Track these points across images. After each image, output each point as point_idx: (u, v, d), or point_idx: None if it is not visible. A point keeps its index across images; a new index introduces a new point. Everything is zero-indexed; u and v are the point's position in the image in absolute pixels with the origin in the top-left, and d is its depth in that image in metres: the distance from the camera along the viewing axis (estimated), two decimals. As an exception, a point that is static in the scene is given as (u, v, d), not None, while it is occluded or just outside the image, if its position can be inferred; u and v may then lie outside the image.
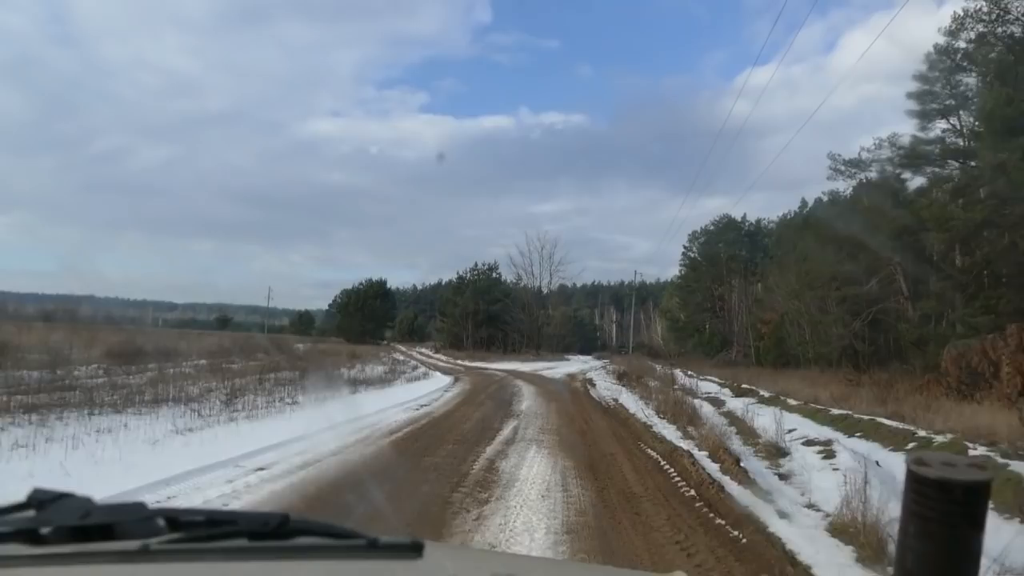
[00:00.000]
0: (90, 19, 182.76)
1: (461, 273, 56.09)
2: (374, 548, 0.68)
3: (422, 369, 28.83)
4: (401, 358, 34.03)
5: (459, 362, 35.38)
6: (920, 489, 0.61)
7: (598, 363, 44.30)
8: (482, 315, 49.90)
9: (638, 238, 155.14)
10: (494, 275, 55.49)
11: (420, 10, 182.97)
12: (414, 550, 0.69)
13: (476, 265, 55.87)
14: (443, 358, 40.97)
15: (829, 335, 36.00)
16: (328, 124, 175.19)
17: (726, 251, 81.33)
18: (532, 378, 26.32)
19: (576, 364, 38.20)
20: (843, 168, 37.04)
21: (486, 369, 31.14)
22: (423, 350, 50.04)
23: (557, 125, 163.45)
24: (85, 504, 0.77)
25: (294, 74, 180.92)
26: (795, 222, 58.71)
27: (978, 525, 0.60)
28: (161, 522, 0.76)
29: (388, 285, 63.23)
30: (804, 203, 74.05)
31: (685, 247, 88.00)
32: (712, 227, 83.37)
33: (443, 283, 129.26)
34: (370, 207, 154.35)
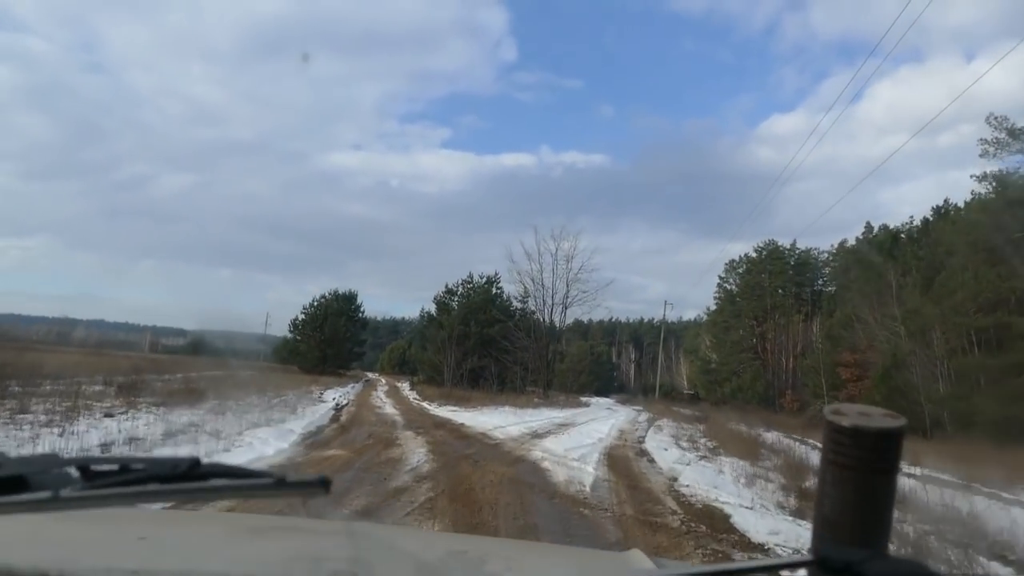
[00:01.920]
0: (119, 47, 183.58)
1: (450, 286, 40.40)
2: (283, 485, 0.69)
3: (316, 420, 16.74)
4: (322, 397, 22.52)
5: (426, 407, 23.00)
6: (836, 438, 0.62)
7: (630, 412, 32.27)
8: (473, 340, 35.95)
9: (654, 279, 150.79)
10: (494, 289, 40.20)
11: (445, 46, 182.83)
12: (321, 486, 0.69)
13: (470, 276, 40.72)
14: (413, 397, 28.39)
15: (988, 389, 23.27)
16: (349, 157, 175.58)
17: (772, 283, 69.08)
18: (531, 475, 9.87)
19: (602, 415, 27.14)
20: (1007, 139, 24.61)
21: (452, 425, 16.55)
22: (401, 384, 38.48)
23: (578, 164, 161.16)
24: None
25: (317, 106, 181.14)
26: (881, 239, 46.56)
27: (891, 470, 0.62)
28: (74, 471, 0.76)
29: (358, 300, 49.29)
30: (870, 227, 61.97)
31: (721, 278, 75.31)
32: (756, 254, 71.21)
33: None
34: (388, 240, 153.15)
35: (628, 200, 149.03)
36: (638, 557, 1.10)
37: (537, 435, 15.17)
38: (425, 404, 24.48)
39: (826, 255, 67.42)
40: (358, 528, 1.24)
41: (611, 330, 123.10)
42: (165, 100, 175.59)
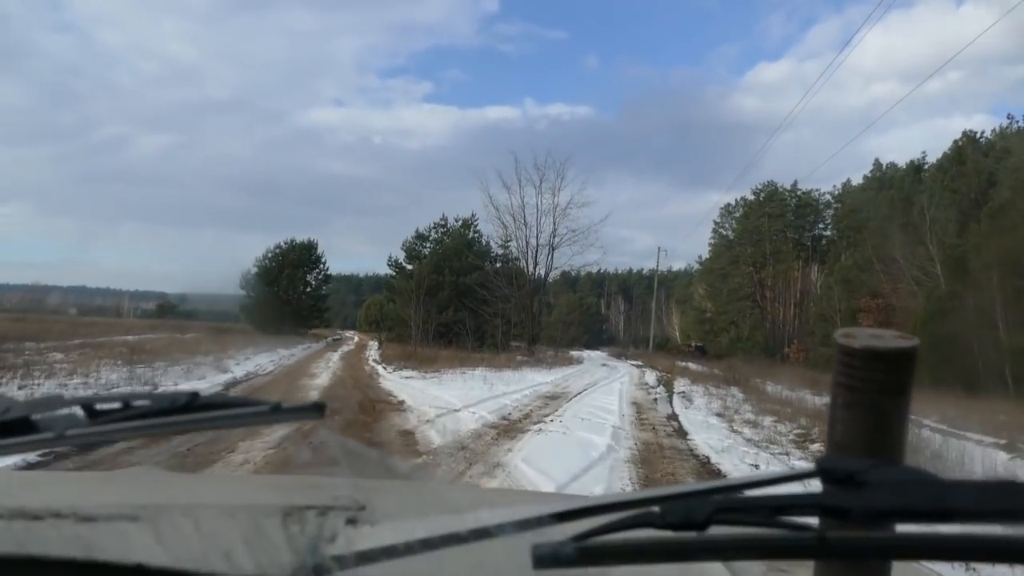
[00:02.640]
0: (88, 4, 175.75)
1: (422, 230, 34.84)
2: (278, 412, 0.72)
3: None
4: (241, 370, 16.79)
5: (380, 372, 18.30)
6: (847, 360, 0.60)
7: (630, 369, 27.92)
8: (447, 291, 30.91)
9: (642, 232, 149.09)
10: (471, 233, 34.83)
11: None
12: (316, 410, 0.71)
13: (443, 219, 35.26)
14: (373, 359, 23.70)
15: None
16: (330, 113, 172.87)
17: (771, 226, 64.56)
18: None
19: (600, 376, 22.85)
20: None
21: (388, 404, 11.66)
22: (372, 343, 34.04)
23: (563, 116, 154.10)
24: (5, 402, 0.81)
25: (295, 62, 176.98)
26: (902, 173, 42.00)
27: (903, 392, 0.60)
28: (79, 411, 0.78)
29: (318, 249, 42.61)
30: (879, 164, 57.35)
31: (716, 223, 70.46)
32: (753, 196, 66.52)
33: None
34: (372, 197, 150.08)
35: (614, 152, 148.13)
36: None
37: (508, 427, 9.64)
38: (381, 368, 19.78)
39: (828, 197, 62.82)
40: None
41: (600, 282, 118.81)
42: (138, 59, 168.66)
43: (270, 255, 41.27)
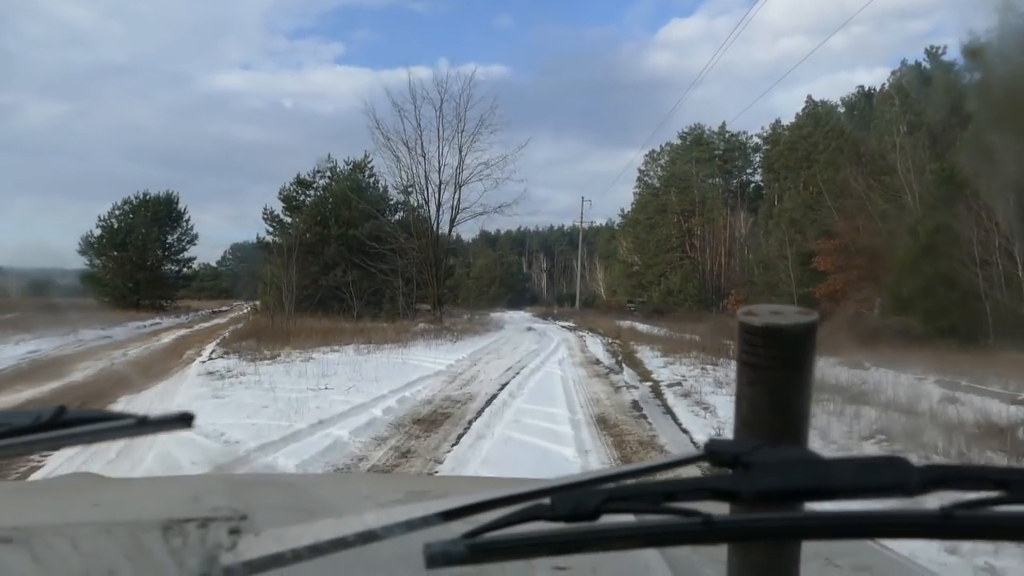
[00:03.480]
0: None
1: (304, 175, 28.02)
2: (144, 424, 0.70)
3: None
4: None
5: (200, 355, 11.93)
6: (749, 339, 0.60)
7: (565, 334, 22.59)
8: (333, 245, 24.68)
9: (561, 190, 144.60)
10: (367, 178, 28.05)
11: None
12: (183, 421, 0.69)
13: (330, 159, 28.22)
14: (212, 346, 16.92)
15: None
16: (237, 77, 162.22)
17: (699, 172, 60.49)
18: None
19: (525, 348, 16.57)
20: None
21: None
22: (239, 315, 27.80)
23: (478, 76, 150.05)
24: None
25: (197, 23, 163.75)
26: (851, 101, 37.89)
27: (804, 367, 0.60)
28: None
29: (179, 205, 34.72)
30: (811, 100, 53.74)
31: (641, 171, 66.24)
32: (680, 141, 62.22)
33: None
34: (286, 163, 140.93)
35: (531, 112, 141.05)
36: None
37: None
38: (196, 354, 13.76)
39: (757, 139, 59.04)
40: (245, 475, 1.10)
41: (520, 240, 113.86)
42: (22, 21, 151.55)
43: (117, 212, 32.99)
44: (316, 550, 0.51)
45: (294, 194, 27.34)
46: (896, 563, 0.93)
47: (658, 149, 62.93)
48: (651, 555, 0.82)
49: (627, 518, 0.49)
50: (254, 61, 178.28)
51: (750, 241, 49.59)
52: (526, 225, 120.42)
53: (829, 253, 29.45)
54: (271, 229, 27.99)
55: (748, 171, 60.79)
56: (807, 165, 38.85)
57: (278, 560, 0.51)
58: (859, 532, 0.49)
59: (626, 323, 26.94)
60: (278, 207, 27.65)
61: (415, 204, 26.58)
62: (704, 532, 0.47)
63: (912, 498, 0.47)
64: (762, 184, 59.08)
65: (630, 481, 0.54)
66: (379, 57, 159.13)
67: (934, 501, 0.46)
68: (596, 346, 18.49)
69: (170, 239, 34.73)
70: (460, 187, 26.38)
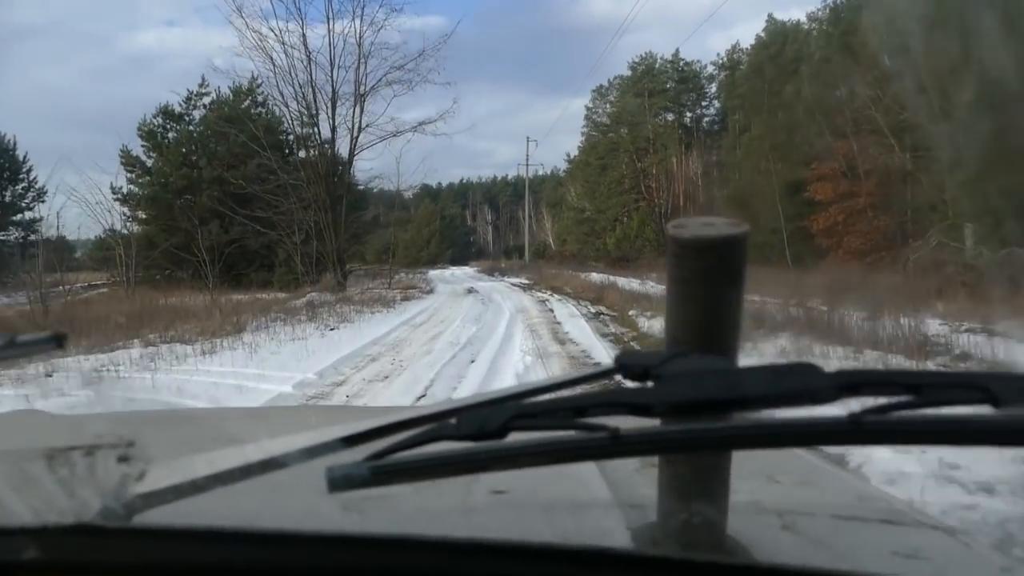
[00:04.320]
0: None
1: (172, 105, 21.00)
2: (13, 345, 0.69)
3: None
4: None
5: None
6: (679, 252, 0.58)
7: (511, 291, 17.01)
8: (206, 191, 18.53)
9: (503, 142, 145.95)
10: (258, 109, 21.21)
11: None
12: (53, 341, 0.69)
13: (204, 83, 21.35)
14: None
15: None
16: (163, 35, 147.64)
17: (652, 105, 55.09)
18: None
19: (463, 311, 14.06)
20: None
21: None
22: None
23: (414, 27, 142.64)
24: None
25: None
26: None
27: (735, 280, 0.58)
28: None
29: (21, 154, 26.38)
30: (772, 18, 48.71)
31: (588, 108, 60.57)
32: (631, 72, 56.54)
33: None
34: None
35: (470, 62, 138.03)
36: None
37: None
38: None
39: (712, 68, 53.78)
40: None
41: (463, 192, 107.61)
42: None
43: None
44: (217, 479, 0.49)
45: (157, 128, 20.67)
46: (837, 476, 0.88)
47: (606, 84, 57.20)
48: (591, 473, 0.78)
49: (535, 435, 0.47)
50: (179, 17, 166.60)
51: (716, 177, 44.71)
52: (468, 176, 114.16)
53: (830, 179, 24.35)
54: (131, 174, 20.88)
55: (703, 104, 55.73)
56: (783, 85, 33.64)
57: (177, 491, 0.49)
58: (766, 442, 0.48)
59: (594, 276, 21.24)
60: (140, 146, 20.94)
61: (300, 125, 19.46)
62: (611, 446, 0.46)
63: (824, 405, 0.45)
64: (717, 118, 54.29)
65: (540, 398, 0.52)
66: (309, 8, 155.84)
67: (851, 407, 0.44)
68: (583, 327, 11.50)
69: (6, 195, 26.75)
70: (363, 97, 19.39)
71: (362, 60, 19.05)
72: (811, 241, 25.70)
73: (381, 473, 0.47)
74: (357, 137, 18.70)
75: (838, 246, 24.04)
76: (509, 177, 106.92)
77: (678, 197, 51.28)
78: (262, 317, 10.81)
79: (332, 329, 10.86)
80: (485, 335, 10.56)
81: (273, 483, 0.52)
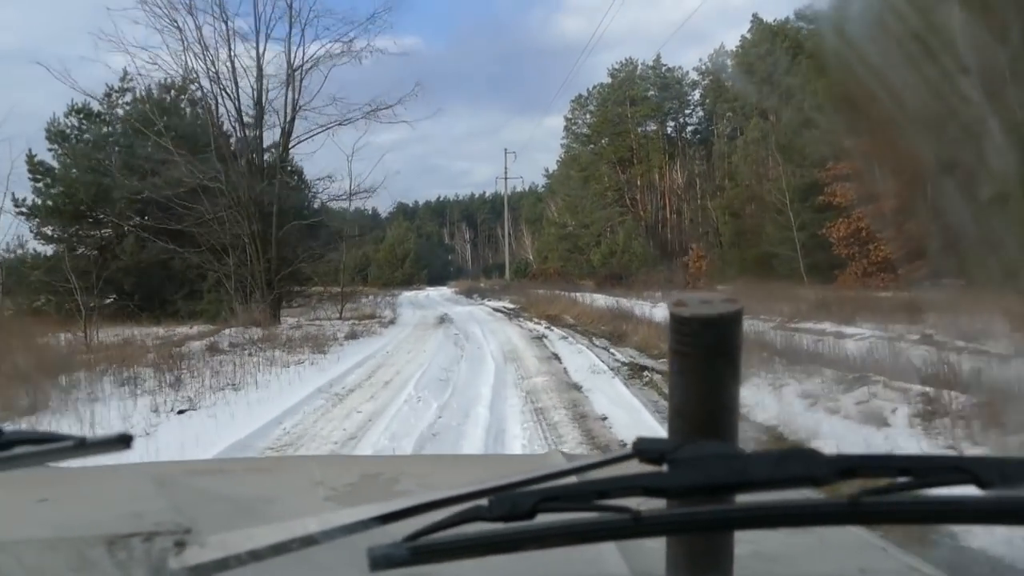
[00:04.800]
0: None
1: (81, 103, 16.89)
2: (83, 446, 0.70)
3: None
4: None
5: None
6: (679, 328, 0.62)
7: (492, 321, 13.56)
8: (120, 203, 14.43)
9: (480, 162, 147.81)
10: (186, 104, 17.54)
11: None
12: (122, 443, 0.70)
13: (126, 76, 16.82)
14: None
15: None
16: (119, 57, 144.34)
17: (635, 113, 52.47)
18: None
19: (416, 379, 8.50)
20: None
21: None
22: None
23: (390, 49, 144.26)
24: None
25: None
26: None
27: (731, 354, 0.62)
28: None
29: None
30: (757, 18, 46.31)
31: (567, 119, 57.88)
32: (611, 79, 53.90)
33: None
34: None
35: (447, 84, 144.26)
36: (556, 459, 1.05)
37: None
38: None
39: (695, 74, 51.29)
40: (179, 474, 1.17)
41: (440, 210, 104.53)
42: None
43: None
44: (257, 555, 0.52)
45: (68, 130, 17.23)
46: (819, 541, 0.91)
47: (585, 94, 54.49)
48: (608, 548, 0.81)
49: (562, 516, 0.49)
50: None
51: (706, 187, 41.95)
52: (445, 194, 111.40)
53: (846, 180, 21.42)
54: (39, 184, 17.05)
55: (686, 112, 53.15)
56: (780, 83, 30.99)
57: (222, 566, 0.52)
58: (774, 522, 0.51)
59: (594, 299, 17.64)
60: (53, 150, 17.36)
61: (210, 105, 15.27)
62: (633, 528, 0.49)
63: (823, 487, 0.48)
64: (701, 126, 51.82)
65: (564, 481, 0.55)
66: (284, 30, 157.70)
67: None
68: (629, 403, 6.85)
69: None
70: (296, 72, 15.75)
71: (296, 23, 15.37)
72: (828, 250, 22.74)
73: (420, 553, 0.48)
74: (291, 120, 15.12)
75: (863, 255, 21.05)
76: (487, 194, 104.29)
77: (665, 209, 48.61)
78: (98, 378, 7.32)
79: (179, 412, 6.61)
80: (455, 426, 6.18)
81: (312, 561, 0.54)
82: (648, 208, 48.16)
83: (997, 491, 0.46)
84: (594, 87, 53.69)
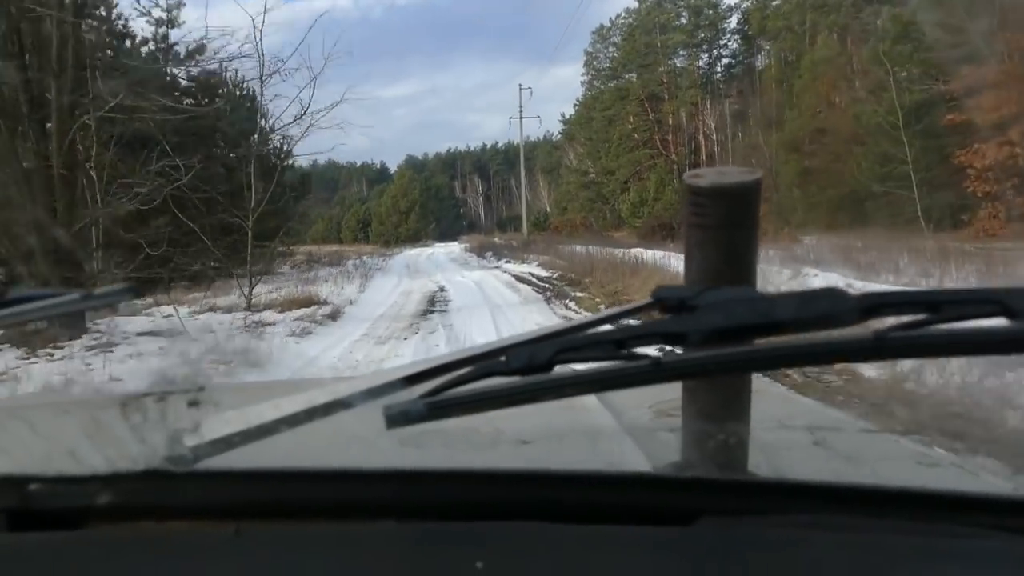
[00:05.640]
0: None
1: None
2: (89, 298, 0.72)
3: None
4: None
5: None
6: (696, 200, 0.60)
7: (525, 294, 8.53)
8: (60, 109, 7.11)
9: (492, 115, 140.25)
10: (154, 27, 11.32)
11: None
12: (130, 292, 0.72)
13: None
14: None
15: None
16: (132, 24, 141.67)
17: (665, 42, 46.00)
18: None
19: None
20: None
21: None
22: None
23: (399, 1, 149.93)
24: None
25: None
26: None
27: (750, 225, 0.61)
28: None
29: None
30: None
31: (588, 53, 51.43)
32: (638, 4, 47.22)
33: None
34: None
35: (459, 34, 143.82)
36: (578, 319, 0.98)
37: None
38: None
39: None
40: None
41: (451, 162, 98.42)
42: None
43: None
44: (282, 422, 0.50)
45: None
46: (840, 422, 0.88)
47: (608, 24, 48.02)
48: (611, 425, 0.81)
49: (580, 367, 0.49)
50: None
51: (757, 120, 35.85)
52: (456, 146, 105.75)
53: (995, 87, 15.56)
54: None
55: (721, 42, 46.56)
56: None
57: (244, 436, 0.50)
58: (799, 360, 0.51)
59: (656, 259, 12.14)
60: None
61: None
62: (653, 372, 0.47)
63: (850, 326, 0.47)
64: (738, 58, 45.39)
65: (583, 334, 0.53)
66: None
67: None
68: None
69: None
70: None
71: None
72: (958, 189, 16.96)
73: (436, 408, 0.48)
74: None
75: (1019, 192, 15.31)
76: (500, 144, 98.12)
77: (701, 150, 42.64)
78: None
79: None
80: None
81: (335, 424, 0.53)
82: (682, 149, 42.20)
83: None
84: (618, 16, 47.28)
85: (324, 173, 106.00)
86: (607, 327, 0.54)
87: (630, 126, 44.59)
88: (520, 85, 43.41)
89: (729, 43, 46.52)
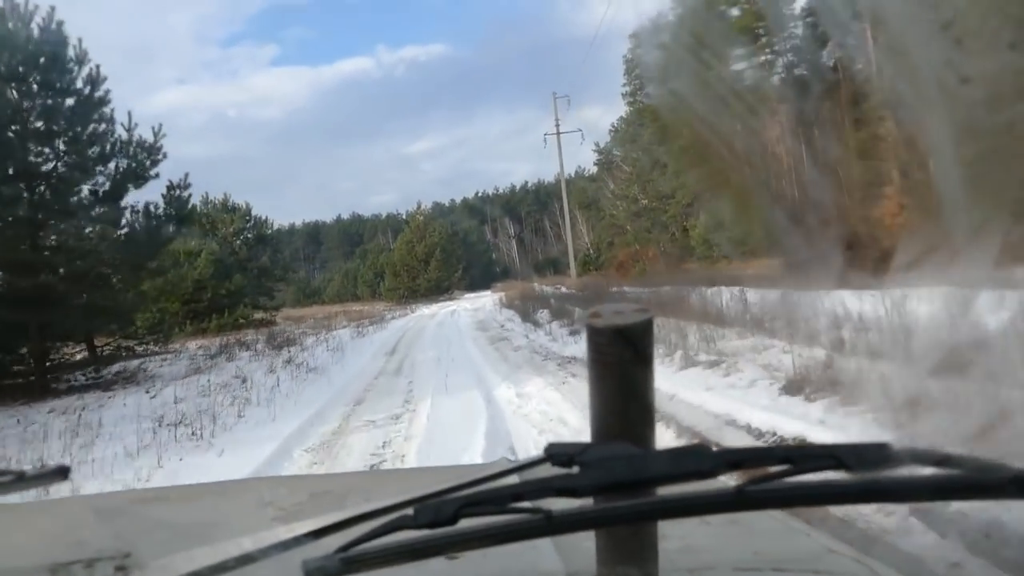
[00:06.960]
0: None
1: None
2: (23, 480, 0.72)
3: None
4: None
5: None
6: (595, 339, 0.65)
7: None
8: None
9: (519, 162, 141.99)
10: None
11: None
12: (60, 474, 0.74)
13: None
14: None
15: None
16: (174, 94, 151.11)
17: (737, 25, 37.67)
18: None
19: None
20: None
21: None
22: None
23: (419, 58, 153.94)
24: None
25: (125, 45, 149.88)
26: None
27: (644, 360, 0.65)
28: None
29: None
30: None
31: (627, 61, 43.06)
32: None
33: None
34: (237, 173, 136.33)
35: (479, 86, 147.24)
36: (486, 466, 1.07)
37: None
38: None
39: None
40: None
41: (479, 207, 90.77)
42: None
43: None
44: None
45: None
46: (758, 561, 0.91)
47: (648, 21, 39.75)
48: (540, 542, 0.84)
49: (482, 520, 0.52)
50: (189, 75, 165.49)
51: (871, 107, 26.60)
52: (484, 190, 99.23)
53: None
54: None
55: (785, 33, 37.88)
56: None
57: None
58: (671, 513, 0.55)
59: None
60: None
61: None
62: (546, 527, 0.52)
63: (713, 479, 0.53)
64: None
65: (485, 487, 0.57)
66: (315, 53, 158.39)
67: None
68: None
69: None
70: None
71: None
72: None
73: (352, 563, 0.50)
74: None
75: None
76: (529, 184, 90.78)
77: (796, 153, 33.66)
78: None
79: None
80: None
81: (252, 574, 0.55)
82: (770, 153, 33.36)
83: (858, 473, 0.50)
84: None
85: (348, 227, 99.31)
86: (506, 480, 0.59)
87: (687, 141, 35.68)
88: (555, 94, 35.14)
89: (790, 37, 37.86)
